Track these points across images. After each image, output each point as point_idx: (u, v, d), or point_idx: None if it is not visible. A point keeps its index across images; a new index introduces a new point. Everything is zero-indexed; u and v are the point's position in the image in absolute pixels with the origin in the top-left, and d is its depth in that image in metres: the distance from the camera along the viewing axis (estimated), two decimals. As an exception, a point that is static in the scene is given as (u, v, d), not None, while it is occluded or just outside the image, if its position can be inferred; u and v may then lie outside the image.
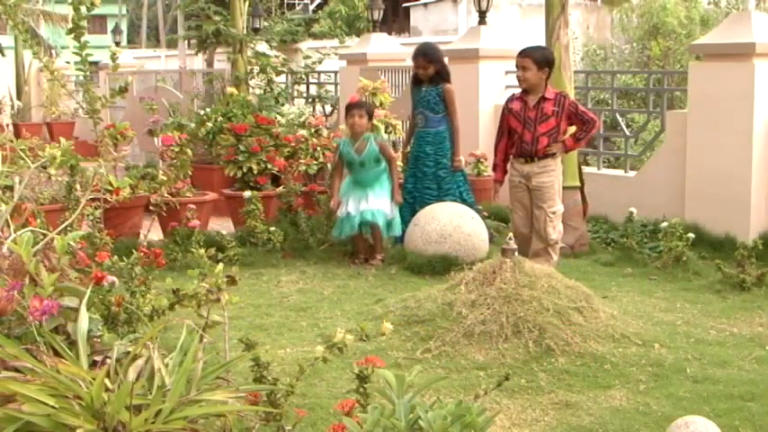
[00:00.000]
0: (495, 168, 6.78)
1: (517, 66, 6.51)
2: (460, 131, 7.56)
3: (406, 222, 7.23)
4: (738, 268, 6.35)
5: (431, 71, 7.40)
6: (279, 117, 10.08)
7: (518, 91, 6.65)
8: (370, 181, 7.12)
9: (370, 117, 7.27)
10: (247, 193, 7.67)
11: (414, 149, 7.57)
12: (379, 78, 10.12)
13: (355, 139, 7.12)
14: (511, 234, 5.51)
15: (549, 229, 6.43)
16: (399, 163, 7.80)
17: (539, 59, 6.36)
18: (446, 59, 7.65)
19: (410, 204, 7.44)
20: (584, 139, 6.61)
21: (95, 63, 11.84)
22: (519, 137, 6.44)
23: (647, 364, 4.65)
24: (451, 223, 6.89)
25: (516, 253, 5.19)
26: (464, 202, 7.39)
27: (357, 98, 7.52)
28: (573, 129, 6.47)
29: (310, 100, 12.83)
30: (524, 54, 6.45)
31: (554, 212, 6.45)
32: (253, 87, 11.06)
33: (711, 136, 7.60)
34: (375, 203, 7.01)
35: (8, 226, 3.41)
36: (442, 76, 7.45)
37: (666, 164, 8.12)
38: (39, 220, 4.31)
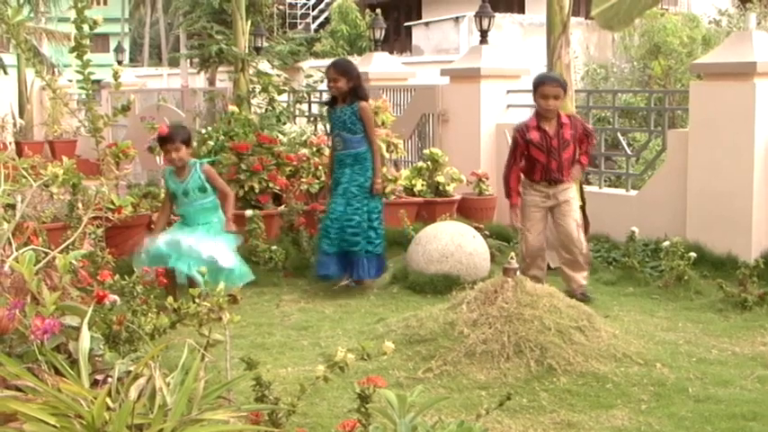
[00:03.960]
0: (509, 195, 6.58)
1: (547, 95, 6.32)
2: (379, 153, 7.16)
3: (339, 250, 6.78)
4: (740, 287, 6.34)
5: (341, 84, 6.86)
6: (281, 136, 10.08)
7: (525, 118, 6.57)
8: (196, 218, 6.22)
9: (189, 143, 6.34)
10: (249, 212, 7.67)
11: (335, 174, 7.04)
12: (380, 97, 10.17)
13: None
14: (513, 254, 5.51)
15: (581, 237, 6.54)
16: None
17: (565, 86, 6.37)
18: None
19: (338, 230, 6.83)
20: (589, 152, 6.79)
21: (98, 81, 11.88)
22: (544, 166, 6.41)
23: (649, 383, 4.64)
24: (453, 242, 6.89)
25: (518, 272, 5.20)
26: (371, 229, 6.86)
27: (165, 129, 6.33)
28: None
29: (312, 119, 12.84)
30: (555, 83, 6.36)
31: (579, 222, 6.60)
32: (254, 106, 11.07)
33: (713, 155, 7.60)
34: (200, 249, 5.94)
35: (10, 244, 3.41)
36: (358, 93, 6.95)
37: (668, 183, 8.12)
38: (41, 239, 4.32)
